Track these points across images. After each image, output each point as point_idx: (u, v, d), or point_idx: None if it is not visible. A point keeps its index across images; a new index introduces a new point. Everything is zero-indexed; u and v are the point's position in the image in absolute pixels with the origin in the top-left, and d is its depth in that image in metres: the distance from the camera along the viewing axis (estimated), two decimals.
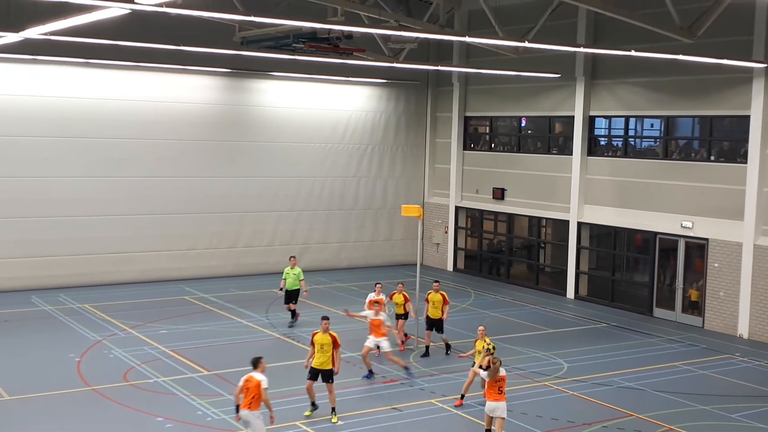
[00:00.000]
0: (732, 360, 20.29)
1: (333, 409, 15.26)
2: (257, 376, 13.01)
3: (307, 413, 15.39)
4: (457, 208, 32.30)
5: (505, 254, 30.97)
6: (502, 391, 13.70)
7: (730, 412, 16.28)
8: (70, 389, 16.65)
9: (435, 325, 19.64)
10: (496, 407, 13.69)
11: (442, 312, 19.52)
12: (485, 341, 15.89)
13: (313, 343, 15.40)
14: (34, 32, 18.44)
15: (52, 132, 26.31)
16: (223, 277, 28.98)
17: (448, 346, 19.81)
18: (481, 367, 14.45)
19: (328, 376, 15.27)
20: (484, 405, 14.90)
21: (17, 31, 19.13)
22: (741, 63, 21.36)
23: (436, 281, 20.28)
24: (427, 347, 19.76)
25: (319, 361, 15.28)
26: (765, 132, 22.12)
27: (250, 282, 28.49)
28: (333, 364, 15.28)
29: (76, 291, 26.12)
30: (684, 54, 20.08)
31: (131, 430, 14.69)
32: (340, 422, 15.06)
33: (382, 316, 18.13)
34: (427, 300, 19.69)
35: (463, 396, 16.18)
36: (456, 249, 32.44)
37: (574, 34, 26.57)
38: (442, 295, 19.55)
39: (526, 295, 27.84)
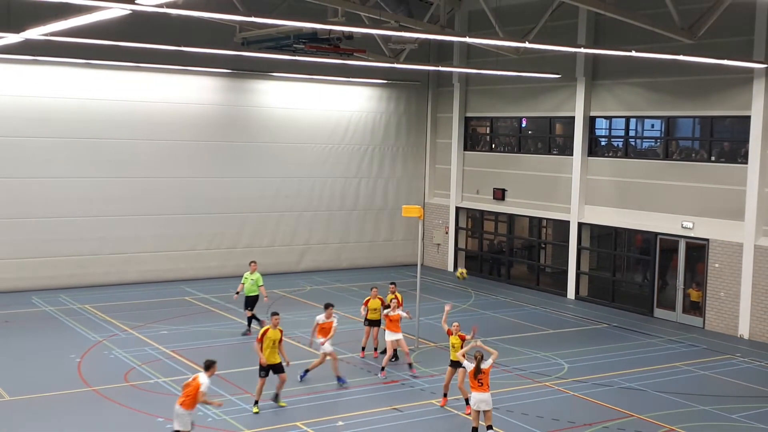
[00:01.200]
0: (733, 360, 20.28)
1: (278, 396, 15.94)
2: (202, 378, 12.83)
3: (255, 410, 15.51)
4: (457, 209, 32.30)
5: (505, 255, 30.97)
6: (482, 383, 13.69)
7: (731, 412, 16.28)
8: (71, 390, 16.65)
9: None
10: (481, 399, 13.70)
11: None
12: (459, 336, 15.77)
13: (262, 340, 15.63)
14: (35, 33, 18.45)
15: (52, 133, 26.32)
16: (224, 277, 28.96)
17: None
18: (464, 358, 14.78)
19: (280, 368, 15.84)
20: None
21: (18, 32, 19.14)
22: (741, 63, 21.36)
23: (392, 283, 19.98)
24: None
25: (272, 356, 15.68)
26: (765, 132, 22.11)
27: None
28: (284, 358, 15.91)
29: (76, 291, 26.12)
30: (684, 54, 20.08)
31: (132, 430, 14.70)
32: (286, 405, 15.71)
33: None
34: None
35: (446, 395, 16.15)
36: (456, 249, 32.44)
37: (574, 35, 26.57)
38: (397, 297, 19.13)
39: (527, 295, 27.84)
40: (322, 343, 17.27)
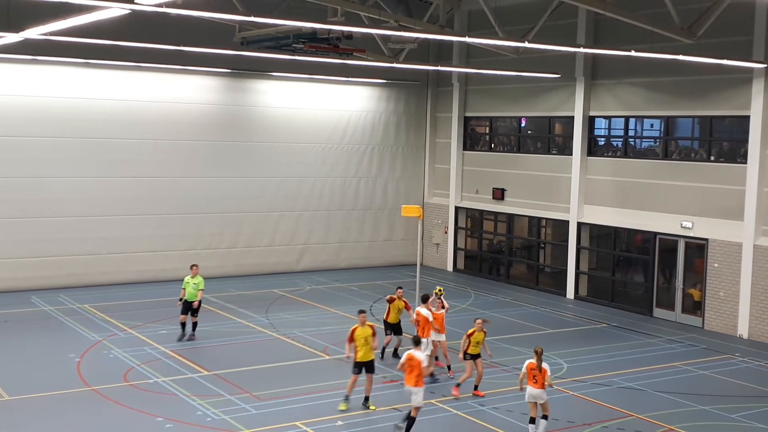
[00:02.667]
0: (732, 360, 20.29)
1: (368, 398, 15.93)
2: (418, 354, 14.38)
3: (342, 407, 15.70)
4: (457, 209, 32.30)
5: (505, 254, 30.97)
6: (537, 381, 14.12)
7: (730, 412, 16.29)
8: (70, 389, 16.65)
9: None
10: (536, 395, 14.19)
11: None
12: (483, 331, 16.51)
13: (353, 339, 15.89)
14: (34, 32, 18.44)
15: (51, 132, 26.31)
16: (223, 277, 28.97)
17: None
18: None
19: (371, 367, 15.98)
20: (483, 405, 14.94)
21: (17, 32, 19.14)
22: (741, 63, 21.37)
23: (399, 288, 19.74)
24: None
25: (363, 353, 15.86)
26: (765, 132, 22.12)
27: (249, 282, 28.49)
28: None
29: (76, 291, 26.12)
30: (684, 54, 20.09)
31: (131, 430, 14.69)
32: (374, 407, 15.82)
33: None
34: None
35: (459, 384, 16.58)
36: (456, 249, 32.44)
37: (574, 35, 26.57)
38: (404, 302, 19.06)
39: (526, 295, 27.84)
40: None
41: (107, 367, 18.16)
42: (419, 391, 14.30)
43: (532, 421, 14.41)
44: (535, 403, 14.32)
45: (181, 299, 20.45)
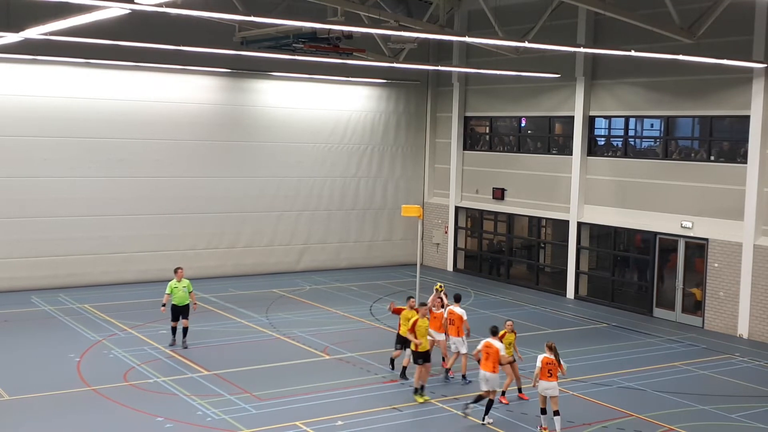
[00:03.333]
0: (732, 360, 20.29)
1: (423, 388, 16.40)
2: (496, 342, 15.19)
3: (420, 399, 16.22)
4: (457, 208, 32.30)
5: (505, 254, 30.97)
6: (552, 374, 14.50)
7: (730, 412, 16.29)
8: (70, 389, 16.65)
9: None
10: (549, 387, 14.53)
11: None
12: (513, 332, 16.57)
13: (414, 330, 16.35)
14: (34, 32, 18.44)
15: (51, 132, 26.31)
16: (223, 277, 28.97)
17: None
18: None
19: (428, 357, 16.43)
20: (484, 404, 14.93)
21: (17, 31, 19.13)
22: (741, 63, 21.37)
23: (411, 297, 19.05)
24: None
25: (425, 344, 16.37)
26: (765, 132, 22.12)
27: (249, 282, 28.49)
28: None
29: (75, 291, 26.12)
30: (684, 54, 20.09)
31: (131, 430, 14.69)
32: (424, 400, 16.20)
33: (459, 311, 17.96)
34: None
35: (504, 393, 16.39)
36: (456, 249, 32.44)
37: (574, 34, 26.57)
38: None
39: (526, 295, 27.84)
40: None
41: (107, 367, 18.16)
42: (495, 377, 15.12)
43: (543, 411, 14.74)
44: (546, 397, 14.63)
45: (164, 305, 19.76)
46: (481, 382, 15.21)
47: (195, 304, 20.08)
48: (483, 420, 15.15)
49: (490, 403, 15.16)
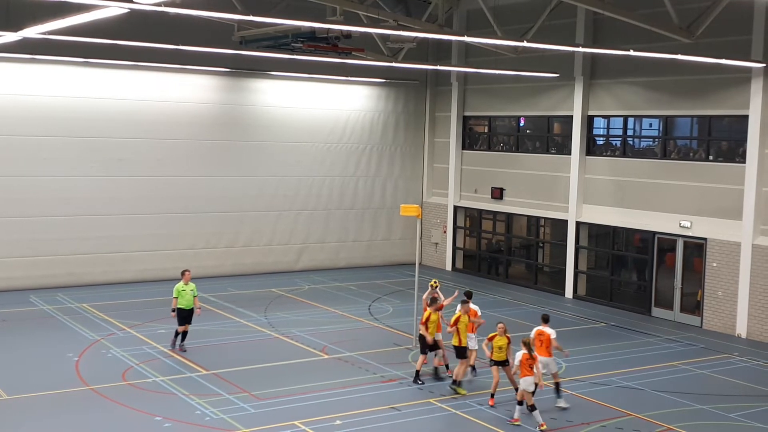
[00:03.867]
0: (730, 360, 20.30)
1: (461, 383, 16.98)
2: (547, 330, 16.29)
3: (462, 392, 16.70)
4: (455, 208, 32.31)
5: (503, 254, 30.98)
6: (532, 367, 15.00)
7: (729, 411, 16.30)
8: (69, 389, 16.64)
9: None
10: (530, 383, 14.96)
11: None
12: (507, 337, 16.38)
13: (457, 324, 16.90)
14: (33, 32, 18.43)
15: (50, 131, 26.29)
16: (222, 276, 28.97)
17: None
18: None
19: (463, 353, 16.98)
20: (482, 404, 14.94)
21: (16, 31, 19.12)
22: (739, 63, 21.38)
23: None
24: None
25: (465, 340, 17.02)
26: (763, 132, 22.13)
27: (248, 282, 28.49)
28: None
29: (74, 290, 26.10)
30: (683, 54, 20.10)
31: (130, 429, 14.68)
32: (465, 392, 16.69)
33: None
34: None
35: (493, 395, 16.32)
36: (455, 249, 32.44)
37: (572, 34, 26.57)
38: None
39: (525, 294, 27.85)
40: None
41: (106, 367, 18.15)
42: (551, 360, 16.21)
43: (521, 403, 15.13)
44: (528, 392, 14.97)
45: (174, 310, 19.30)
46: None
47: (198, 308, 19.70)
48: (559, 400, 16.15)
49: (557, 386, 16.28)
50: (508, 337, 16.31)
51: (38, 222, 26.32)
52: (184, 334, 19.53)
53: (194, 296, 19.47)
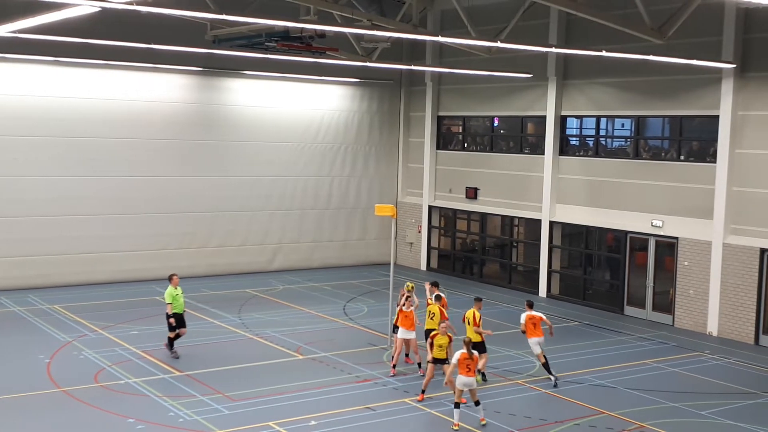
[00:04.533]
0: (702, 357, 20.51)
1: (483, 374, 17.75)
2: (536, 313, 17.78)
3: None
4: (430, 208, 32.36)
5: (478, 253, 31.08)
6: (471, 369, 14.92)
7: (700, 409, 16.46)
8: (40, 391, 16.46)
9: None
10: (469, 383, 14.94)
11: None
12: (448, 336, 16.52)
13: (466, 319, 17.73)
14: (3, 30, 18.19)
15: (21, 131, 25.99)
16: (195, 277, 28.77)
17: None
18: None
19: (483, 348, 17.61)
20: (458, 405, 14.99)
21: None
22: (710, 63, 21.60)
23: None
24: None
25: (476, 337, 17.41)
26: (734, 132, 22.38)
27: (222, 282, 28.34)
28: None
29: (45, 292, 25.83)
30: (654, 54, 20.27)
31: (102, 431, 14.54)
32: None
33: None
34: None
35: (423, 391, 16.43)
36: (429, 248, 32.50)
37: (546, 35, 26.72)
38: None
39: (499, 293, 27.95)
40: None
41: (77, 369, 17.98)
42: (542, 339, 17.66)
43: (457, 405, 15.02)
44: (462, 390, 14.99)
45: (170, 316, 18.70)
46: (534, 347, 17.68)
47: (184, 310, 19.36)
48: (554, 381, 17.43)
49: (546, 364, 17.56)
50: (449, 336, 16.48)
51: (8, 222, 26.00)
52: (177, 337, 19.00)
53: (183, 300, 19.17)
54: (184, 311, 19.35)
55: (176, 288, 19.00)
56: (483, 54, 26.87)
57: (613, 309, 25.47)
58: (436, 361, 16.35)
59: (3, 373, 17.68)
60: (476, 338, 17.15)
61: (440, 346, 16.30)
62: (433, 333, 16.68)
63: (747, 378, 18.80)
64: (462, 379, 14.91)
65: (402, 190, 33.80)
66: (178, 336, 19.03)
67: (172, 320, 18.79)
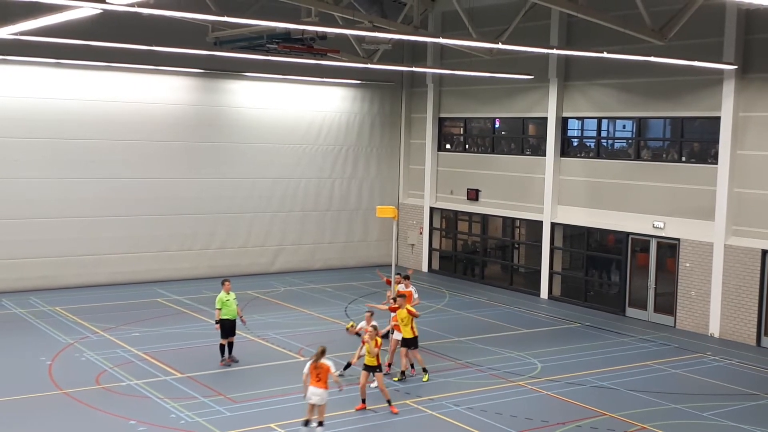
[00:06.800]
0: (703, 359, 20.50)
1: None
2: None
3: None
4: (431, 209, 32.36)
5: (479, 255, 31.07)
6: (321, 378, 14.00)
7: (702, 410, 16.45)
8: (42, 393, 16.46)
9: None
10: (316, 393, 13.98)
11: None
12: (376, 340, 15.85)
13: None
14: (4, 32, 18.22)
15: (22, 133, 26.00)
16: (196, 279, 28.78)
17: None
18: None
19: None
20: (458, 405, 14.97)
21: None
22: (711, 65, 21.58)
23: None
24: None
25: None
26: (735, 133, 22.38)
27: None
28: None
29: (47, 294, 25.83)
30: (655, 56, 20.26)
31: None
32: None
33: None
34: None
35: (364, 399, 15.92)
36: (431, 250, 32.49)
37: (547, 36, 26.72)
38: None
39: (500, 295, 27.94)
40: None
41: (79, 370, 17.98)
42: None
43: (306, 423, 14.16)
44: (314, 405, 14.06)
45: (217, 322, 18.37)
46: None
47: (243, 318, 18.93)
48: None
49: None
50: (377, 341, 15.76)
51: (10, 225, 26.00)
52: (231, 345, 18.66)
53: (236, 305, 18.71)
54: (236, 318, 18.60)
55: (228, 293, 18.50)
56: (484, 55, 26.85)
57: (615, 310, 25.45)
58: (368, 368, 15.80)
59: (4, 375, 17.69)
60: (408, 334, 17.57)
61: (368, 352, 15.67)
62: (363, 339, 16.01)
63: (749, 379, 18.78)
64: (311, 390, 13.95)
65: (403, 191, 33.80)
66: (231, 344, 18.60)
67: (217, 327, 18.43)
